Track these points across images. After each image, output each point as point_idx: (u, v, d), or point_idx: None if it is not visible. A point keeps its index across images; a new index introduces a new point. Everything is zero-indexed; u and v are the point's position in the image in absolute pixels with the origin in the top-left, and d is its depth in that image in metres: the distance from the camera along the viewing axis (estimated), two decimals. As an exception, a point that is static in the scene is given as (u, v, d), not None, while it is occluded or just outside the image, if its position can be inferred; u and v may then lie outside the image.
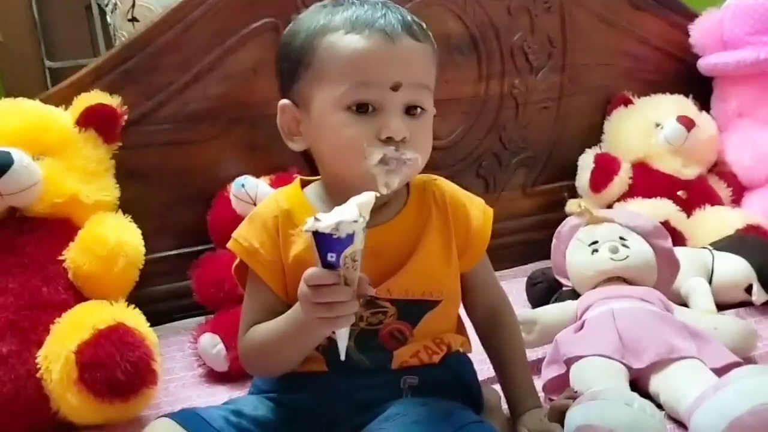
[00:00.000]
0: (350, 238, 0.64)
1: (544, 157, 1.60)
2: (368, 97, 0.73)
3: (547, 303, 1.16)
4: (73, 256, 1.05)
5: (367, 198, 0.67)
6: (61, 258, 1.06)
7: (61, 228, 1.09)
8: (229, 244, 0.84)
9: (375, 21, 0.73)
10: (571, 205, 1.38)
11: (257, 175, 1.33)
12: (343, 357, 0.70)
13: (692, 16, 1.66)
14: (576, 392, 0.84)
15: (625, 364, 0.90)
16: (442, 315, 0.82)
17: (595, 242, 1.10)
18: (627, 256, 1.06)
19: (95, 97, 1.18)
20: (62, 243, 1.07)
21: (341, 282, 0.66)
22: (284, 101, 0.80)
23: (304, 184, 0.84)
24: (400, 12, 0.76)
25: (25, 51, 1.61)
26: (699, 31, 1.63)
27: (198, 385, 1.13)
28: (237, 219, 1.26)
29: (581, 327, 0.98)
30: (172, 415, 0.78)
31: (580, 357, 0.92)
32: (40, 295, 1.02)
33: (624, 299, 1.00)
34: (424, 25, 0.77)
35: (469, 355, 0.88)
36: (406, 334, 0.80)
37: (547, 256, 1.28)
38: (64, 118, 1.16)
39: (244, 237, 0.81)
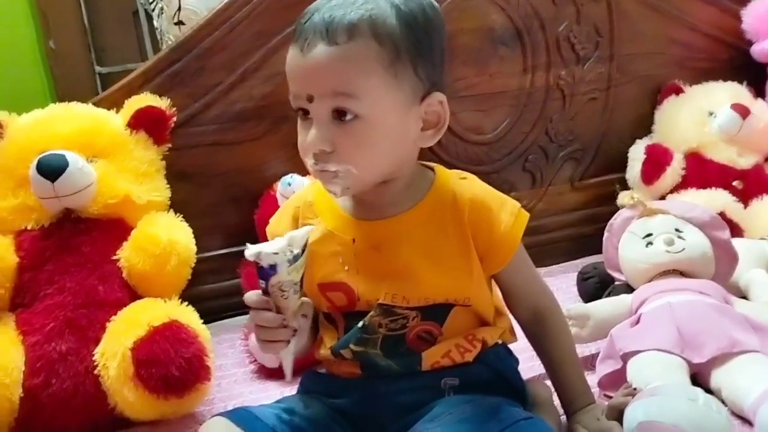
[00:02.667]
0: (273, 267, 0.68)
1: (592, 150, 1.57)
2: (299, 104, 0.73)
3: (599, 298, 1.14)
4: (126, 255, 1.08)
5: (303, 232, 0.71)
6: (115, 257, 1.08)
7: (114, 228, 1.12)
8: (266, 228, 0.87)
9: (303, 28, 0.71)
10: (623, 197, 1.35)
11: (303, 174, 1.34)
12: (288, 378, 0.75)
13: (744, 1, 1.60)
14: (635, 389, 0.82)
15: (684, 359, 0.87)
16: (473, 311, 0.80)
17: (650, 234, 1.07)
18: (683, 249, 1.03)
19: (145, 99, 1.20)
20: (116, 242, 1.10)
21: (270, 308, 0.71)
22: None
23: None
24: (337, 9, 0.70)
25: (76, 57, 1.65)
26: (751, 17, 1.57)
27: (250, 381, 1.14)
28: (284, 217, 1.28)
29: (637, 321, 0.95)
30: (227, 414, 0.79)
31: (637, 352, 0.89)
32: (97, 293, 1.05)
33: (681, 292, 0.97)
34: (362, 17, 0.70)
35: (520, 351, 0.86)
36: (435, 334, 0.78)
37: (597, 251, 1.25)
38: (116, 120, 1.19)
39: (273, 224, 0.86)
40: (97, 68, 1.67)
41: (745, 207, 1.37)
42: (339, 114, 0.71)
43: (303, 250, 0.69)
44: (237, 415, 0.78)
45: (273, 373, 1.14)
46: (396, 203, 0.78)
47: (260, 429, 0.76)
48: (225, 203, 1.36)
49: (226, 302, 1.34)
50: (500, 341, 0.83)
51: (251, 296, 0.72)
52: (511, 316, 0.86)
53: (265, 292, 0.70)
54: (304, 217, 0.81)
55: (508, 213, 0.79)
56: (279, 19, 1.34)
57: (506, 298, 0.85)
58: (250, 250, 0.68)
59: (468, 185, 0.80)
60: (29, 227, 1.10)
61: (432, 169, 0.82)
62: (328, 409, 0.80)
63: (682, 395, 0.72)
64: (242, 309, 1.30)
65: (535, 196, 1.54)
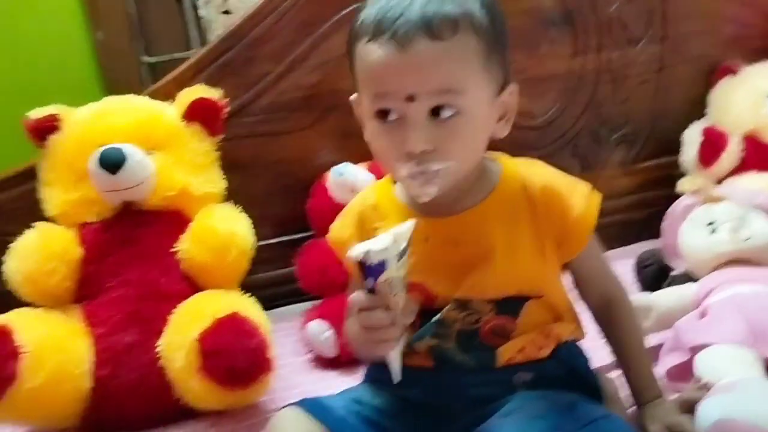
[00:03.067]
0: (382, 264, 0.66)
1: (644, 133, 1.54)
2: (386, 105, 0.70)
3: (658, 286, 1.12)
4: (186, 247, 1.09)
5: (406, 227, 0.68)
6: (174, 249, 1.10)
7: (173, 220, 1.13)
8: (327, 235, 0.87)
9: (392, 24, 0.68)
10: (684, 183, 1.32)
11: (353, 162, 1.34)
12: (396, 379, 0.72)
13: (803, -25, 1.54)
14: (706, 384, 0.81)
15: (755, 352, 0.85)
16: (544, 304, 0.79)
17: (713, 222, 1.05)
18: (749, 237, 1.01)
19: (198, 91, 1.20)
20: (175, 234, 1.11)
21: (380, 306, 0.68)
22: (354, 95, 0.80)
23: None
24: (427, 3, 0.68)
25: (124, 48, 1.65)
26: (814, -9, 1.52)
27: (308, 370, 1.16)
28: (336, 207, 1.27)
29: (704, 313, 0.93)
30: (298, 404, 0.80)
31: (706, 345, 0.88)
32: (159, 286, 1.06)
33: (750, 283, 0.95)
34: (460, 12, 0.69)
35: (585, 342, 0.85)
36: (508, 329, 0.77)
37: (649, 236, 1.23)
38: (171, 112, 1.19)
39: (336, 229, 0.85)
40: (144, 58, 1.68)
41: (806, 191, 1.33)
42: (436, 111, 0.70)
43: (408, 245, 0.68)
44: (308, 405, 0.79)
45: (330, 363, 1.15)
46: (467, 196, 0.77)
47: (331, 419, 0.77)
48: (275, 193, 1.37)
49: (278, 291, 1.35)
50: (572, 338, 0.82)
51: (359, 297, 0.70)
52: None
53: (372, 291, 0.68)
54: (369, 221, 0.80)
55: (581, 196, 0.78)
56: (326, 7, 1.33)
57: (578, 285, 0.84)
58: (357, 250, 0.67)
59: (536, 172, 0.79)
60: (91, 220, 1.11)
61: (493, 158, 0.82)
62: (397, 399, 0.81)
63: (761, 392, 0.70)
64: (293, 298, 1.35)
65: (585, 181, 1.51)
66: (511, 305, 0.77)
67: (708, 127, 1.45)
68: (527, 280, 0.77)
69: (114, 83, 1.64)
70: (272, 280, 1.35)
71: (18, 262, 1.06)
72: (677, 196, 1.49)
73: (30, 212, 1.27)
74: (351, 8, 1.34)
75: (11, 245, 1.26)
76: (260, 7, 1.31)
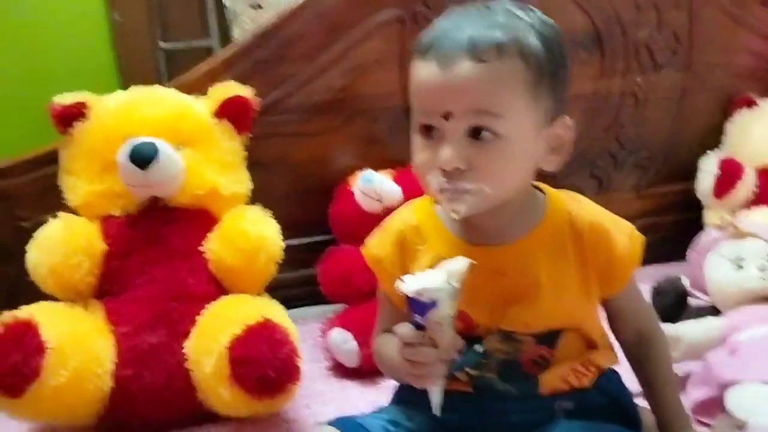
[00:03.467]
0: (434, 303, 0.66)
1: (660, 158, 1.56)
2: (428, 121, 0.70)
3: (677, 314, 1.14)
4: (215, 248, 1.07)
5: (461, 265, 0.68)
6: (202, 249, 1.07)
7: (201, 219, 1.11)
8: (362, 249, 0.85)
9: (439, 44, 0.69)
10: (712, 217, 1.34)
11: (375, 168, 1.33)
12: (437, 413, 0.72)
13: (824, 14, 1.58)
14: (739, 421, 0.82)
15: (788, 393, 0.87)
16: (580, 334, 0.79)
17: (741, 258, 1.07)
18: (778, 276, 1.03)
19: (231, 88, 1.18)
20: (202, 233, 1.09)
21: (426, 343, 0.68)
22: None
23: None
24: (482, 25, 0.69)
25: (141, 31, 1.62)
26: (832, 31, 1.55)
27: (327, 378, 1.15)
28: (361, 214, 1.27)
29: (735, 349, 0.95)
30: (335, 423, 0.79)
31: (737, 382, 0.89)
32: (187, 286, 1.04)
33: (778, 322, 0.97)
34: (508, 39, 0.68)
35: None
36: (548, 357, 0.78)
37: (658, 260, 1.24)
38: (200, 108, 1.16)
39: (373, 246, 0.83)
40: (161, 44, 1.64)
41: (818, 228, 1.36)
42: (475, 132, 0.69)
43: (461, 285, 0.68)
44: (344, 424, 0.78)
45: (350, 372, 1.15)
46: (512, 227, 0.76)
47: None
48: (295, 194, 1.35)
49: (294, 292, 1.33)
50: (610, 366, 0.83)
51: (408, 332, 0.69)
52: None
53: (420, 327, 0.68)
54: (411, 242, 0.79)
55: (624, 234, 0.78)
56: (361, 12, 1.32)
57: (612, 320, 0.84)
58: (410, 286, 0.66)
59: (584, 208, 0.79)
60: (115, 213, 1.09)
61: (538, 188, 0.81)
62: (433, 422, 0.80)
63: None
64: (307, 300, 1.33)
65: (599, 202, 1.52)
66: (549, 336, 0.77)
67: (725, 158, 1.47)
68: (571, 315, 0.77)
69: (129, 67, 1.62)
70: (289, 282, 1.33)
71: (43, 255, 1.03)
72: (688, 222, 1.54)
73: (44, 198, 1.24)
74: (385, 15, 1.34)
75: (25, 230, 1.24)
76: (296, 7, 1.28)
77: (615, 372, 0.83)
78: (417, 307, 0.66)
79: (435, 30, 0.71)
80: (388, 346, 0.80)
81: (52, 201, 1.22)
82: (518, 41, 0.69)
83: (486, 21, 0.70)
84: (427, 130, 0.71)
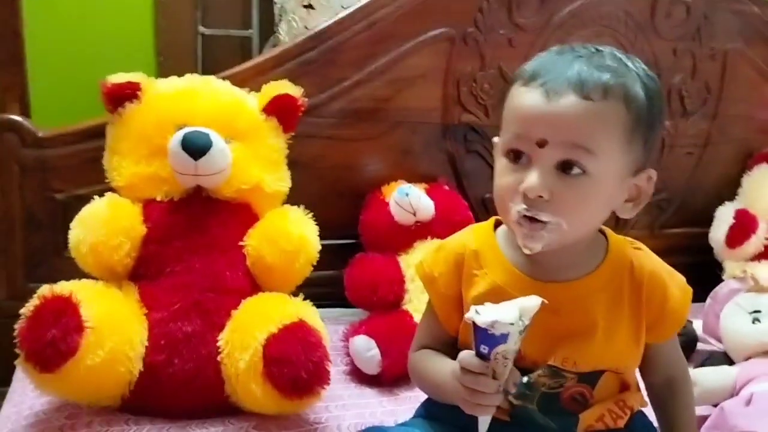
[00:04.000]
0: (504, 337, 0.67)
1: (677, 201, 1.60)
2: (519, 146, 0.73)
3: (685, 357, 1.18)
4: (256, 244, 1.08)
5: (533, 303, 0.69)
6: (241, 243, 1.08)
7: (242, 213, 1.12)
8: (415, 265, 0.87)
9: (546, 75, 0.72)
10: (733, 268, 1.38)
11: (408, 181, 1.35)
12: None
13: None
14: (756, 471, 0.86)
15: (800, 448, 0.91)
16: (618, 376, 0.82)
17: (757, 311, 1.11)
18: (793, 333, 1.08)
19: (283, 86, 1.19)
20: (243, 228, 1.10)
21: (488, 374, 0.69)
22: (496, 138, 0.81)
23: (497, 224, 0.84)
24: (590, 66, 0.71)
25: (182, 14, 1.62)
26: None
27: (346, 383, 1.16)
28: (392, 224, 1.29)
29: (749, 399, 0.99)
30: None
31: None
32: (224, 279, 1.05)
33: (792, 378, 1.01)
34: (614, 83, 0.70)
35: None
36: (587, 396, 0.80)
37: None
38: (252, 103, 1.17)
39: (428, 263, 0.84)
40: (201, 28, 1.65)
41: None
42: (564, 165, 0.71)
43: (530, 323, 0.69)
44: (374, 434, 0.81)
45: (368, 379, 1.16)
46: (574, 266, 0.78)
47: None
48: (330, 196, 1.36)
49: (317, 291, 1.33)
50: (641, 408, 0.86)
51: (472, 361, 0.70)
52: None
53: (484, 357, 0.69)
54: (469, 266, 0.80)
55: (678, 287, 0.81)
56: (414, 25, 1.34)
57: (646, 362, 0.86)
58: (484, 317, 0.67)
59: (645, 256, 0.81)
60: (158, 198, 1.09)
61: (602, 232, 0.84)
62: (458, 440, 0.83)
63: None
64: (324, 300, 1.35)
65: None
66: (592, 375, 0.80)
67: (741, 209, 1.51)
68: (620, 358, 0.79)
69: (167, 47, 1.61)
70: (314, 281, 1.34)
71: (85, 232, 1.03)
72: (696, 266, 1.57)
73: (80, 173, 1.25)
74: (436, 32, 1.36)
75: (57, 202, 1.25)
76: (351, 13, 1.30)
77: (644, 414, 0.86)
78: (486, 338, 0.68)
79: (542, 61, 0.74)
80: (431, 363, 0.82)
81: (87, 176, 1.23)
82: (624, 86, 0.72)
83: (595, 62, 0.72)
84: (515, 155, 0.73)
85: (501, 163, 0.75)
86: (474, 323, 0.68)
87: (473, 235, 0.84)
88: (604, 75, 0.71)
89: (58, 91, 1.44)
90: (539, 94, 0.71)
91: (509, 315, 0.67)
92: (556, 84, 0.70)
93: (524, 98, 0.72)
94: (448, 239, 0.87)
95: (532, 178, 0.70)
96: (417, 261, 0.86)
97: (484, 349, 0.69)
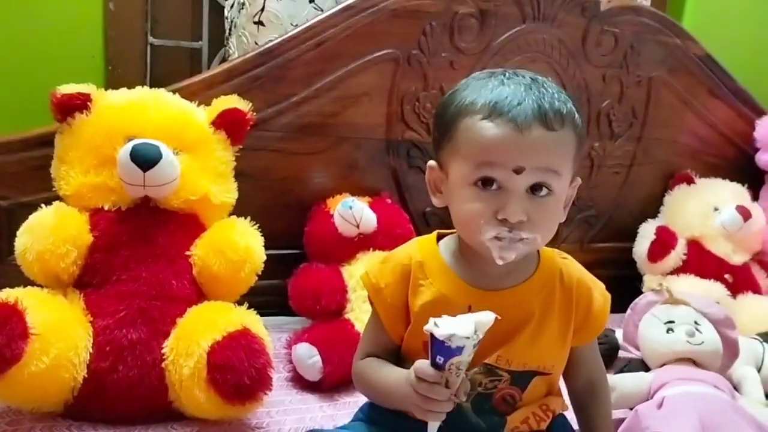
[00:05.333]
0: (459, 349, 0.72)
1: (605, 218, 1.71)
2: (492, 174, 0.78)
3: (607, 364, 1.26)
4: (202, 254, 1.10)
5: (488, 318, 0.74)
6: (188, 253, 1.11)
7: (189, 223, 1.14)
8: (361, 276, 0.91)
9: (510, 110, 0.77)
10: (651, 281, 1.48)
11: (352, 194, 1.41)
12: None
13: (761, 113, 1.78)
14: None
15: (703, 447, 1.00)
16: (546, 380, 0.89)
17: (671, 322, 1.20)
18: (702, 342, 1.17)
19: (232, 101, 1.22)
20: (190, 238, 1.13)
21: (442, 383, 0.74)
22: (432, 162, 0.87)
23: (439, 237, 0.90)
24: (541, 98, 0.78)
25: (132, 24, 1.63)
26: (764, 128, 1.75)
27: (287, 389, 1.20)
28: (336, 236, 1.34)
29: (661, 403, 1.08)
30: None
31: (662, 432, 1.02)
32: (170, 287, 1.08)
33: (699, 383, 1.10)
34: (565, 111, 0.78)
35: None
36: (516, 398, 0.86)
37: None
38: (201, 116, 1.20)
39: (374, 275, 0.88)
40: (151, 39, 1.66)
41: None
42: (534, 188, 0.78)
43: (483, 336, 0.74)
44: (318, 437, 0.85)
45: (309, 385, 1.20)
46: (511, 275, 0.84)
47: None
48: (276, 207, 1.40)
49: (262, 300, 1.36)
50: (561, 411, 0.93)
51: (427, 370, 0.74)
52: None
53: (439, 367, 0.73)
54: (415, 277, 0.85)
55: (600, 294, 0.89)
56: (361, 45, 1.40)
57: (569, 366, 0.92)
58: (442, 330, 0.72)
59: (572, 265, 0.89)
60: (106, 207, 1.11)
61: None
62: (397, 443, 0.88)
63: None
64: (265, 309, 1.38)
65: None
66: (523, 378, 0.86)
67: (662, 226, 1.63)
68: (548, 358, 0.86)
69: (116, 56, 1.62)
70: (257, 290, 1.38)
71: (32, 240, 1.04)
72: (623, 279, 1.68)
73: (25, 180, 1.25)
74: (382, 52, 1.42)
75: (2, 210, 1.25)
76: (300, 31, 1.35)
77: (565, 417, 0.94)
78: (442, 349, 0.72)
79: (490, 94, 0.79)
80: (378, 370, 0.86)
81: (33, 184, 1.23)
82: (572, 114, 0.80)
83: (543, 93, 0.79)
84: (485, 182, 0.78)
85: (467, 192, 0.80)
86: (432, 335, 0.72)
87: (418, 248, 0.89)
88: (556, 104, 0.78)
89: (5, 99, 1.44)
90: (510, 128, 0.77)
91: (466, 329, 0.72)
92: (522, 117, 0.77)
93: (493, 132, 0.77)
94: (393, 252, 0.91)
95: (513, 206, 0.77)
96: (362, 272, 0.90)
97: (439, 359, 0.72)
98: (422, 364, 0.75)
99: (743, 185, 1.71)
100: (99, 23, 1.58)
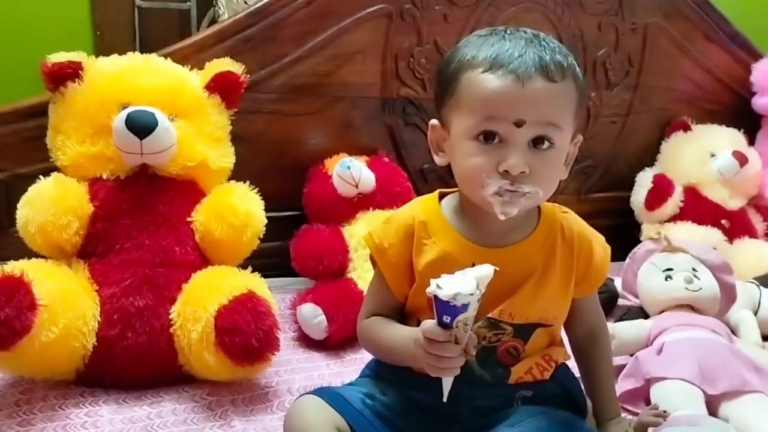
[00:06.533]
0: (465, 306, 0.72)
1: (602, 168, 1.71)
2: (494, 128, 0.79)
3: (607, 312, 1.29)
4: (203, 220, 1.11)
5: (486, 272, 0.75)
6: (189, 219, 1.12)
7: (188, 189, 1.15)
8: (364, 237, 0.92)
9: (511, 62, 0.78)
10: (650, 230, 1.50)
11: (349, 153, 1.40)
12: (445, 399, 0.80)
13: (757, 56, 1.76)
14: (664, 412, 0.96)
15: (701, 389, 1.02)
16: (548, 331, 0.90)
17: (669, 269, 1.22)
18: (700, 288, 1.19)
19: (224, 63, 1.21)
20: (190, 204, 1.13)
21: (451, 341, 0.75)
22: (434, 121, 0.87)
23: (441, 196, 0.91)
24: (542, 51, 0.78)
25: (119, -16, 1.60)
26: (761, 71, 1.74)
27: (294, 348, 1.22)
28: (335, 196, 1.34)
29: (660, 349, 1.10)
30: (317, 393, 0.86)
31: (662, 378, 1.04)
32: (174, 254, 1.08)
33: (697, 328, 1.12)
34: (566, 64, 0.79)
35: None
36: (520, 350, 0.88)
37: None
38: (195, 81, 1.19)
39: (377, 235, 0.89)
40: (138, 1, 1.63)
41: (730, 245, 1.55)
42: (536, 141, 0.78)
43: (486, 290, 0.75)
44: (327, 395, 0.86)
45: (316, 344, 1.22)
46: (514, 231, 0.85)
47: (349, 411, 0.85)
48: (273, 170, 1.40)
49: (265, 262, 1.37)
50: (564, 361, 0.95)
51: (436, 330, 0.75)
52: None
53: (447, 326, 0.74)
54: (418, 236, 0.86)
55: (600, 246, 0.90)
56: (353, 2, 1.39)
57: (570, 316, 0.94)
58: (446, 291, 0.72)
59: (572, 218, 0.90)
60: (104, 176, 1.11)
61: None
62: (404, 399, 0.89)
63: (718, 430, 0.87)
64: (272, 271, 1.40)
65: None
66: (526, 330, 0.88)
67: (659, 174, 1.63)
68: (551, 311, 0.88)
69: (105, 21, 1.60)
70: (260, 252, 1.39)
71: (33, 212, 1.04)
72: (620, 228, 1.70)
73: (20, 151, 1.25)
74: (374, 8, 1.40)
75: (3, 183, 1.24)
76: (290, -11, 1.33)
77: (567, 366, 0.96)
78: (447, 309, 0.73)
79: (491, 48, 0.79)
80: (384, 329, 0.87)
81: (29, 155, 1.23)
82: (572, 66, 0.80)
83: (544, 46, 0.79)
84: (486, 136, 0.78)
85: (468, 146, 0.80)
86: (436, 296, 0.73)
87: (420, 207, 0.89)
88: (557, 56, 0.79)
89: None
90: (511, 80, 0.77)
91: (468, 286, 0.72)
92: (524, 69, 0.77)
93: (493, 84, 0.77)
94: (395, 212, 0.92)
95: (515, 158, 0.77)
96: (365, 233, 0.91)
97: (446, 319, 0.73)
98: (430, 326, 0.76)
99: (740, 130, 1.71)
100: (85, -13, 1.55)
